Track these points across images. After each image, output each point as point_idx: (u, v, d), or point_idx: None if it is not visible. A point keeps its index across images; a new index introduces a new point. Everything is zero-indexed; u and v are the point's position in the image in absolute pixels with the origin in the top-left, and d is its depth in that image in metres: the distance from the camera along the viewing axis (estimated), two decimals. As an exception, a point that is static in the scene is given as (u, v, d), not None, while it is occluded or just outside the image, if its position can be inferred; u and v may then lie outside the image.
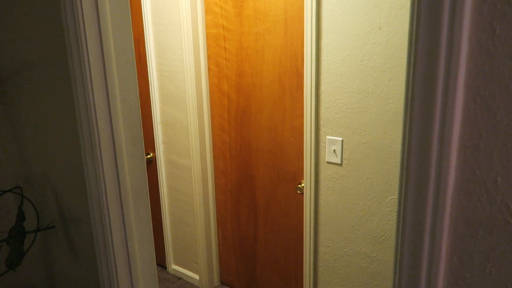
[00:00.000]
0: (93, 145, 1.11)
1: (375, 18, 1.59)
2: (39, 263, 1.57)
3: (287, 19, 1.95)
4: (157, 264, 3.00)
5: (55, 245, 1.45)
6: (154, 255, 1.32)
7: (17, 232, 1.22)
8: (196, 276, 2.75)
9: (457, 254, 0.63)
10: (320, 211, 1.97)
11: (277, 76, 2.06)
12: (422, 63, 0.57)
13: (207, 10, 2.26)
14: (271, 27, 2.02)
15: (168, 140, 2.61)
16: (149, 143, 2.75)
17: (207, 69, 2.36)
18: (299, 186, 2.08)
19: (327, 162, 1.88)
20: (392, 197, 1.73)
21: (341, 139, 1.80)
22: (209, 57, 2.34)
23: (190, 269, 2.81)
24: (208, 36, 2.30)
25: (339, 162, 1.84)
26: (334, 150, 1.83)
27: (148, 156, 2.79)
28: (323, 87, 1.80)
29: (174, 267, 2.90)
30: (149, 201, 1.27)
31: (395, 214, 1.72)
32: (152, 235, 1.30)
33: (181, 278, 2.85)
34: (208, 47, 2.32)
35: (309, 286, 2.11)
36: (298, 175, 2.12)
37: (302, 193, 2.10)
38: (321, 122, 1.84)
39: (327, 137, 1.84)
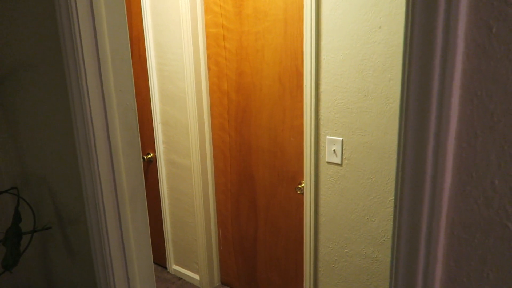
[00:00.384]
0: (89, 146, 1.10)
1: (375, 17, 1.57)
2: (36, 264, 1.56)
3: (287, 19, 1.93)
4: (157, 264, 3.01)
5: (52, 246, 1.45)
6: (151, 256, 1.32)
7: (13, 233, 1.22)
8: (197, 276, 2.74)
9: (453, 258, 0.62)
10: (320, 211, 1.96)
11: (277, 76, 2.05)
12: (417, 62, 0.56)
13: (207, 10, 2.25)
14: (271, 26, 2.00)
15: (168, 140, 2.60)
16: (149, 143, 2.74)
17: (207, 69, 2.35)
18: (299, 186, 2.07)
19: (327, 162, 1.86)
20: (393, 197, 1.71)
21: (341, 139, 1.79)
22: (209, 57, 2.33)
23: (190, 269, 2.80)
24: (207, 36, 2.29)
25: (339, 162, 1.82)
26: (334, 150, 1.82)
27: (148, 156, 2.78)
28: (323, 87, 1.78)
29: (175, 267, 2.90)
30: (146, 201, 1.26)
31: (396, 214, 1.70)
32: (149, 236, 1.30)
33: (182, 278, 2.85)
34: (208, 46, 2.31)
35: (310, 286, 2.09)
36: (298, 175, 2.11)
37: (302, 193, 2.09)
38: (321, 122, 1.83)
39: (327, 137, 1.83)
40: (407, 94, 0.58)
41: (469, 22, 0.53)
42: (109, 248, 1.18)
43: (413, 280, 0.65)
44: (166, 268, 2.97)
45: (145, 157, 2.78)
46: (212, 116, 2.43)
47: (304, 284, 2.13)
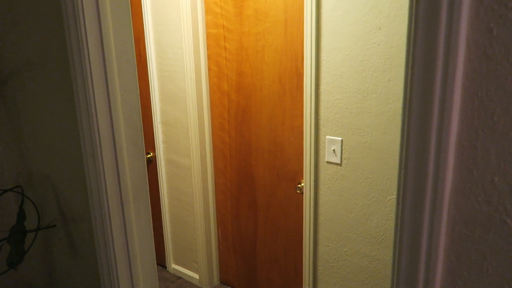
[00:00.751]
0: (94, 145, 1.12)
1: (375, 19, 1.59)
2: (40, 262, 1.57)
3: (287, 19, 1.95)
4: (157, 263, 3.01)
5: (56, 244, 1.46)
6: (154, 254, 1.33)
7: (18, 231, 1.23)
8: (196, 276, 2.76)
9: (454, 253, 0.64)
10: (319, 210, 1.98)
11: (277, 76, 2.07)
12: (420, 64, 0.58)
13: (207, 10, 2.27)
14: (271, 27, 2.02)
15: (168, 139, 2.61)
16: (149, 143, 2.76)
17: (207, 69, 2.37)
18: (299, 186, 2.09)
19: (326, 162, 1.88)
20: (392, 197, 1.73)
21: (340, 139, 1.81)
22: (209, 57, 2.34)
23: (190, 269, 2.81)
24: (208, 36, 2.31)
25: (339, 162, 1.84)
26: (333, 150, 1.84)
27: (148, 156, 2.79)
28: (323, 87, 1.80)
29: (174, 266, 2.91)
30: (149, 200, 1.27)
31: (395, 214, 1.73)
32: (152, 234, 1.31)
33: (181, 278, 2.86)
34: (208, 47, 2.33)
35: (309, 285, 2.11)
36: (298, 175, 2.12)
37: (302, 193, 2.11)
38: (321, 122, 1.85)
39: (327, 137, 1.85)
40: (410, 94, 0.60)
41: (471, 25, 0.55)
42: (113, 246, 1.20)
43: (415, 275, 0.67)
44: (166, 267, 2.98)
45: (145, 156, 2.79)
46: (212, 116, 2.45)
47: (303, 283, 2.15)
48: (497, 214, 0.58)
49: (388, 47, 1.59)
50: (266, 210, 2.33)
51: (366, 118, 1.71)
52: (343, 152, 1.82)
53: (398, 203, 0.67)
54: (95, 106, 1.08)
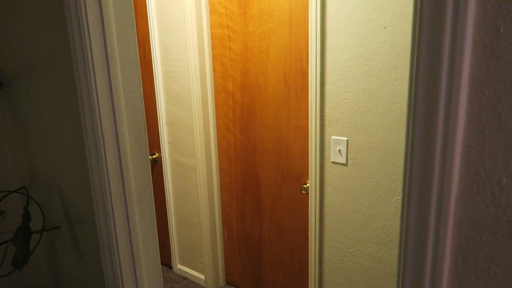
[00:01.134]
0: (98, 146, 1.12)
1: (380, 18, 1.58)
2: (44, 263, 1.58)
3: (291, 19, 1.94)
4: (162, 264, 3.02)
5: (61, 246, 1.46)
6: (159, 255, 1.33)
7: (23, 232, 1.23)
8: (202, 276, 2.76)
9: (461, 256, 0.62)
10: (325, 211, 1.96)
11: (282, 76, 2.05)
12: (425, 63, 0.57)
13: (212, 11, 2.27)
14: (275, 27, 2.01)
15: (174, 140, 2.61)
16: (155, 144, 2.76)
17: (212, 69, 2.36)
18: (304, 186, 2.08)
19: (332, 162, 1.87)
20: (398, 197, 1.72)
21: (346, 139, 1.79)
22: (214, 57, 2.34)
23: (195, 269, 2.81)
24: (213, 37, 2.31)
25: (344, 162, 1.83)
26: (339, 150, 1.83)
27: (154, 157, 2.80)
28: (328, 87, 1.79)
29: (180, 267, 2.91)
30: (153, 201, 1.27)
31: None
32: (157, 236, 1.31)
33: (187, 278, 2.86)
34: (213, 47, 2.32)
35: (315, 286, 2.10)
36: (303, 175, 2.11)
37: (307, 193, 2.10)
38: (326, 122, 1.84)
39: (332, 137, 1.83)
40: (415, 93, 0.59)
41: (477, 23, 0.54)
42: (117, 247, 1.20)
43: (421, 278, 0.65)
44: (171, 268, 2.98)
45: (150, 157, 2.80)
46: (217, 117, 2.44)
47: (309, 284, 2.14)
48: (505, 216, 0.57)
49: (393, 46, 1.57)
50: (271, 210, 2.32)
51: (372, 117, 1.69)
52: (348, 152, 1.81)
53: (403, 205, 0.66)
54: (98, 107, 1.07)
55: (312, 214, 2.00)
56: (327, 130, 1.84)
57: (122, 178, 1.16)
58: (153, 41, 2.50)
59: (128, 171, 1.16)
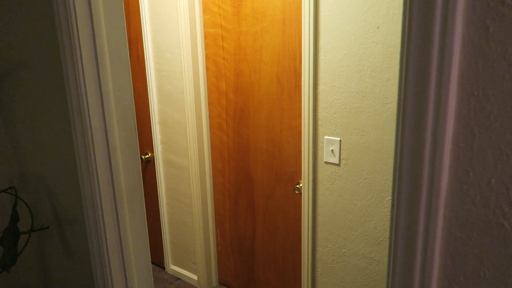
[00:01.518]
0: (87, 146, 1.10)
1: (373, 18, 1.58)
2: (33, 264, 1.56)
3: (285, 19, 1.94)
4: (155, 264, 3.00)
5: (50, 246, 1.44)
6: (150, 256, 1.31)
7: (11, 233, 1.21)
8: (195, 277, 2.74)
9: (450, 257, 0.62)
10: (318, 211, 1.96)
11: (275, 76, 2.05)
12: (414, 63, 0.56)
13: (205, 10, 2.25)
14: (269, 26, 2.01)
15: (166, 140, 2.60)
16: (148, 143, 2.74)
17: (205, 69, 2.35)
18: (297, 186, 2.07)
19: (325, 162, 1.86)
20: (390, 197, 1.72)
21: (339, 139, 1.79)
22: (207, 57, 2.33)
23: (188, 270, 2.80)
24: (206, 36, 2.30)
25: (337, 162, 1.82)
26: (332, 150, 1.82)
27: (146, 156, 2.78)
28: (321, 87, 1.79)
29: (172, 267, 2.89)
30: (144, 201, 1.26)
31: (393, 214, 1.71)
32: (147, 236, 1.30)
33: (179, 279, 2.85)
34: (206, 46, 2.31)
35: (307, 286, 2.10)
36: (296, 175, 2.11)
37: (300, 193, 2.09)
38: (319, 122, 1.83)
39: (325, 137, 1.83)
40: (405, 93, 0.59)
41: (466, 22, 0.53)
42: (107, 248, 1.18)
43: (410, 279, 0.65)
44: (164, 268, 2.96)
45: (143, 157, 2.78)
46: (210, 116, 2.43)
47: (302, 284, 2.13)
48: (494, 217, 0.57)
49: (386, 46, 1.57)
50: (265, 210, 2.32)
51: (365, 118, 1.69)
52: (341, 152, 1.80)
53: (393, 205, 0.66)
54: (87, 106, 1.06)
55: (305, 214, 2.00)
56: (320, 130, 1.84)
57: (112, 178, 1.15)
58: (146, 40, 2.48)
59: (118, 171, 1.15)
